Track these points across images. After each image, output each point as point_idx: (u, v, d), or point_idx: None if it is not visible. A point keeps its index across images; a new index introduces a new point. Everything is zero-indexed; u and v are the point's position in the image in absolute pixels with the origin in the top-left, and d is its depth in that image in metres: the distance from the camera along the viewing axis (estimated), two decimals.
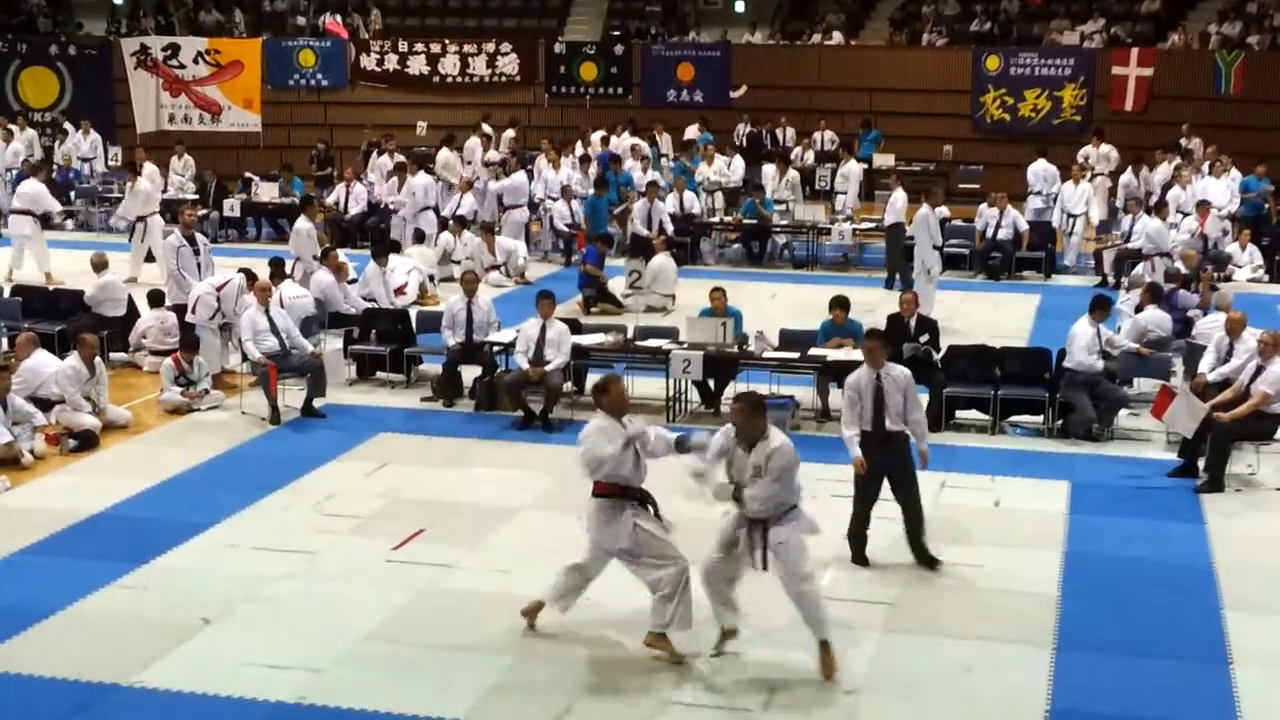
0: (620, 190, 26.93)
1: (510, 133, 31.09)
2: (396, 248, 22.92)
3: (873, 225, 26.37)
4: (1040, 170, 27.87)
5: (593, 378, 17.04)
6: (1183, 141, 30.41)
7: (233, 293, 17.68)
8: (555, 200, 26.70)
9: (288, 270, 19.64)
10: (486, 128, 31.16)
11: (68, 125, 33.91)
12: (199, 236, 19.44)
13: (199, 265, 19.00)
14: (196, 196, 28.31)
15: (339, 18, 38.27)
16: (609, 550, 10.36)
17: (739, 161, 30.14)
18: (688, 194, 26.87)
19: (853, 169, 28.43)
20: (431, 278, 23.19)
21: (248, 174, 30.06)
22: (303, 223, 21.61)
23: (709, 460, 10.20)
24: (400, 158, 28.35)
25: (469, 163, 29.60)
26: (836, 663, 9.99)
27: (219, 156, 29.63)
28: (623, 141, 30.88)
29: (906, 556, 12.15)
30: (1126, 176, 27.44)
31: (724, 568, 10.29)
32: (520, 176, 26.86)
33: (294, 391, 16.70)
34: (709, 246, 26.93)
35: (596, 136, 31.71)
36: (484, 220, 25.87)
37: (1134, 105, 33.24)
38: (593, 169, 28.32)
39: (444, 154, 28.76)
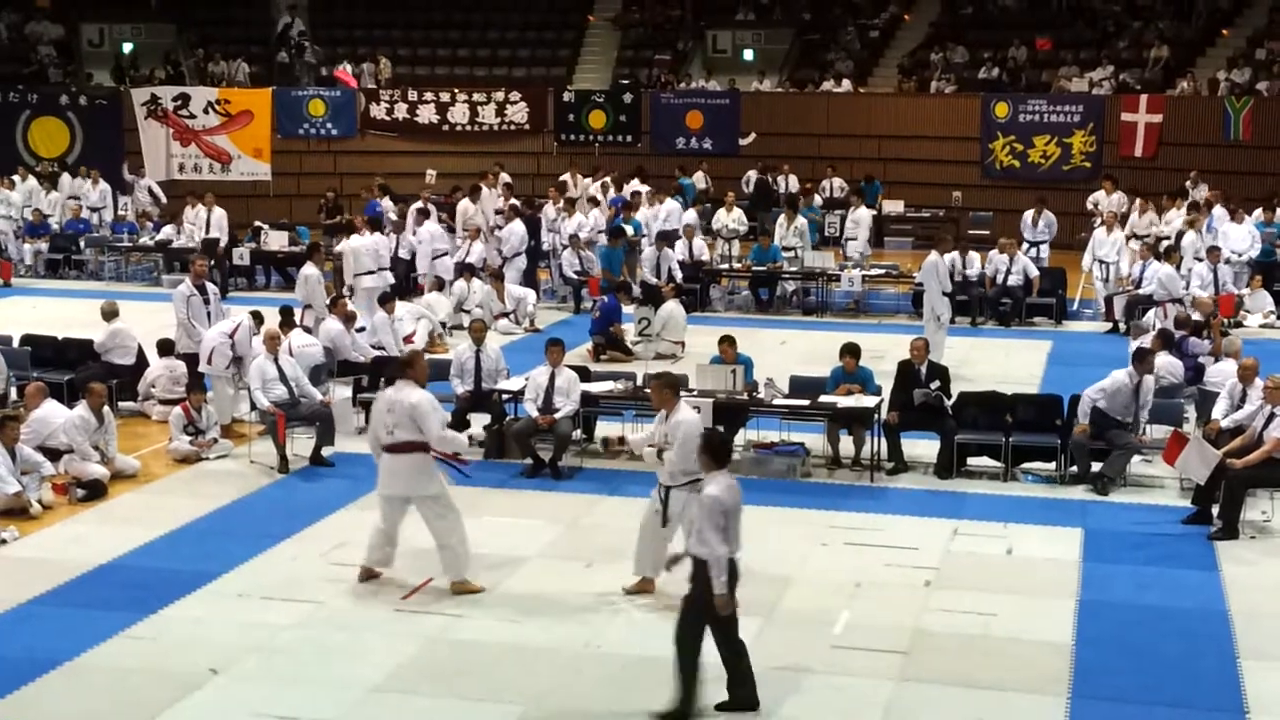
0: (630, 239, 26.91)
1: (506, 177, 31.05)
2: (404, 294, 22.90)
3: (882, 271, 26.36)
4: (1026, 219, 27.79)
5: (602, 426, 17.16)
6: (1188, 185, 30.36)
7: (245, 335, 17.76)
8: (564, 248, 26.69)
9: (297, 318, 19.63)
10: (505, 176, 31.14)
11: (64, 176, 34.03)
12: (209, 285, 19.43)
13: (209, 314, 18.99)
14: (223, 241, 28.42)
15: (348, 67, 38.41)
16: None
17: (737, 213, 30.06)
18: (697, 241, 26.88)
19: (863, 215, 28.42)
20: (444, 325, 23.17)
21: (257, 223, 30.09)
22: (309, 269, 21.64)
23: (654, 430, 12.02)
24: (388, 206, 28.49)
25: (483, 211, 29.56)
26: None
27: (228, 205, 29.63)
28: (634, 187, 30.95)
29: (918, 606, 12.07)
30: (1134, 218, 27.49)
31: (652, 524, 11.89)
32: (517, 225, 26.77)
33: (303, 440, 16.66)
34: (718, 293, 26.91)
35: (584, 182, 31.74)
36: (494, 269, 25.85)
37: (1144, 151, 33.27)
38: (600, 213, 28.40)
39: (464, 204, 28.75)
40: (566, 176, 32.06)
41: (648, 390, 16.65)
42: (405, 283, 25.09)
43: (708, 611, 9.88)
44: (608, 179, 32.31)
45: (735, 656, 10.04)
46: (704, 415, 15.78)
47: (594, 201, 29.92)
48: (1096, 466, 15.47)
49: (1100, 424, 15.47)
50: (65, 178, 33.88)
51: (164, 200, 33.03)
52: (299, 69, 38.84)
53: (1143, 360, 15.73)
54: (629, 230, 27.01)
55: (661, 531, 11.88)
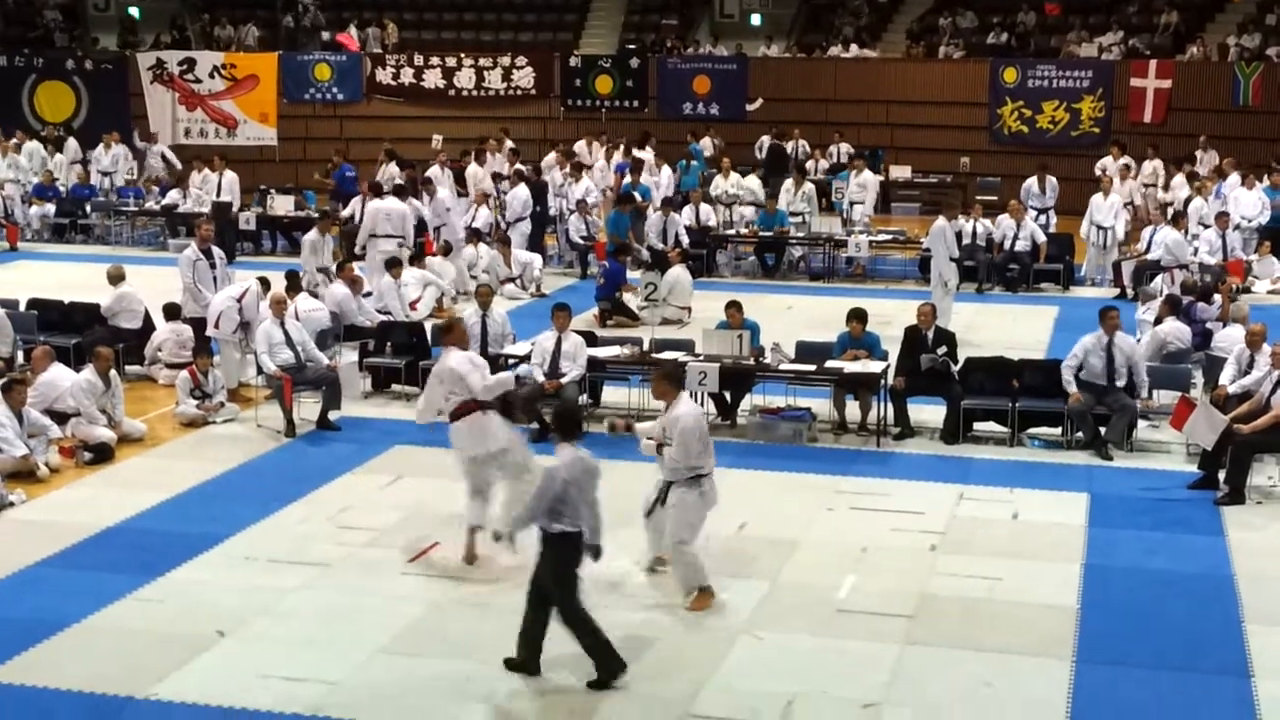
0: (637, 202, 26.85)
1: (510, 143, 31.00)
2: (412, 259, 22.86)
3: (889, 237, 26.31)
4: (1031, 185, 27.69)
5: (609, 390, 17.17)
6: (1198, 154, 30.28)
7: (252, 300, 17.75)
8: (571, 213, 26.64)
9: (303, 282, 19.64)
10: (509, 142, 31.08)
11: (72, 139, 34.00)
12: (215, 250, 19.41)
13: (215, 278, 18.98)
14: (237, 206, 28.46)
15: (353, 31, 38.30)
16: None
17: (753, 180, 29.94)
18: (704, 206, 26.84)
19: (869, 179, 28.29)
20: (454, 289, 23.13)
21: (263, 186, 30.08)
22: (309, 235, 21.65)
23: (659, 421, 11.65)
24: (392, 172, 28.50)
25: (488, 177, 29.51)
26: (709, 600, 11.30)
27: (234, 170, 29.61)
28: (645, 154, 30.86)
29: (924, 571, 12.09)
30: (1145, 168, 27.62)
31: (657, 515, 11.69)
32: (521, 190, 26.70)
33: (309, 404, 16.67)
34: (725, 259, 26.87)
35: (580, 145, 31.64)
36: (500, 234, 25.80)
37: (1153, 117, 33.17)
38: (608, 177, 28.35)
39: (473, 168, 28.67)
40: (581, 144, 31.90)
41: (654, 356, 16.72)
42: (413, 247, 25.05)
43: (548, 586, 9.99)
44: (605, 144, 32.08)
45: (581, 636, 9.99)
46: (710, 379, 15.85)
47: (583, 168, 29.43)
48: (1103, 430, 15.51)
49: (1097, 390, 15.48)
50: (71, 142, 33.84)
51: (178, 166, 32.97)
52: (303, 35, 38.74)
53: (1104, 319, 15.73)
54: (637, 196, 26.95)
55: (659, 517, 11.74)
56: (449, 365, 12.46)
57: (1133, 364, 15.65)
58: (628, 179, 28.35)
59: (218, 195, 28.52)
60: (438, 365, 12.73)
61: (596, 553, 10.24)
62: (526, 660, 10.12)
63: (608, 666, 9.99)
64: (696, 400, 16.48)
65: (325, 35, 38.49)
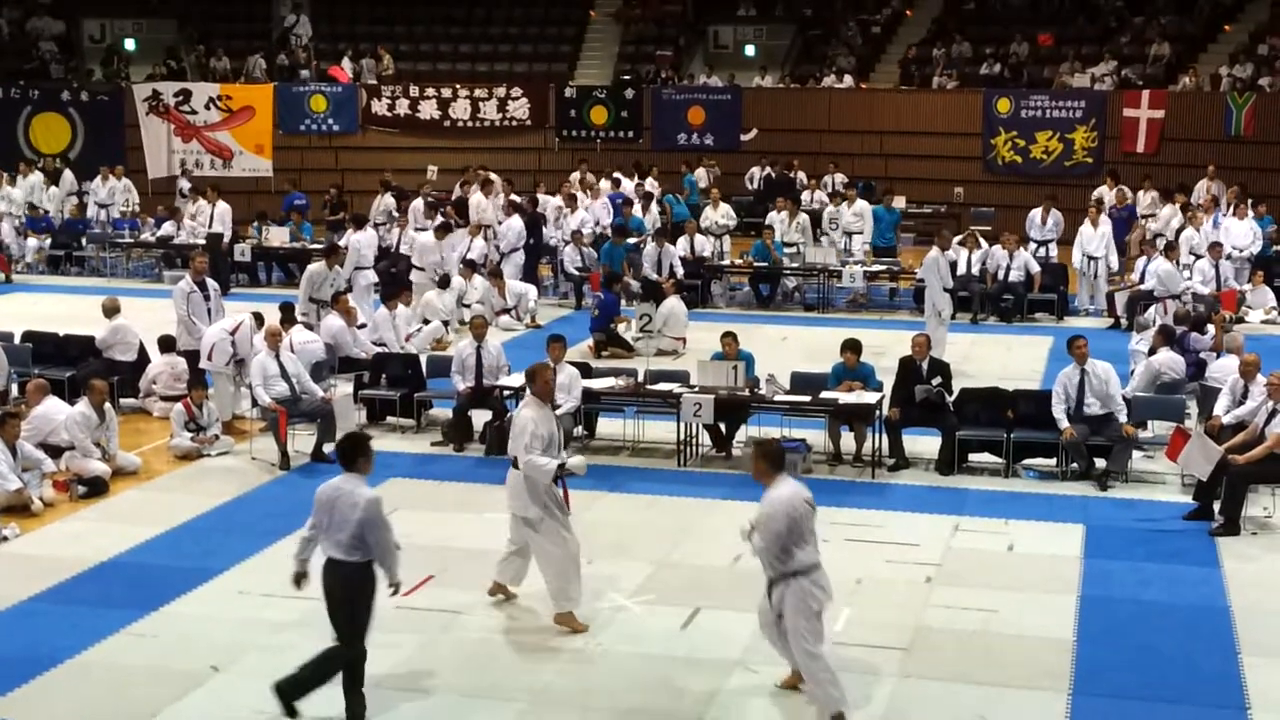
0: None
1: (495, 177, 30.90)
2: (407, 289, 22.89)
3: (883, 268, 26.32)
4: (1034, 216, 27.68)
5: (603, 423, 17.17)
6: (1206, 183, 30.15)
7: (246, 334, 17.72)
8: (566, 244, 26.68)
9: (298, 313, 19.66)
10: (494, 176, 31.02)
11: (68, 171, 34.02)
12: (209, 282, 19.42)
13: (209, 310, 18.98)
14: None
15: (345, 64, 38.37)
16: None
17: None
18: (698, 238, 26.86)
19: (863, 207, 28.17)
20: (446, 323, 23.12)
21: (261, 211, 30.08)
22: (313, 266, 21.67)
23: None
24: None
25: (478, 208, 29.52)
26: None
27: (229, 201, 29.63)
28: (633, 184, 30.91)
29: (919, 603, 12.07)
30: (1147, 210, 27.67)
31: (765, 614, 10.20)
32: (515, 221, 26.72)
33: (304, 437, 16.66)
34: (719, 289, 26.89)
35: (574, 176, 31.64)
36: (494, 264, 25.80)
37: (1146, 147, 33.25)
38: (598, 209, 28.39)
39: (477, 198, 28.68)
40: (575, 176, 31.86)
41: (648, 387, 16.73)
42: (407, 278, 25.05)
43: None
44: (587, 176, 31.74)
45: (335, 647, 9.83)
46: (705, 411, 15.84)
47: (572, 199, 29.34)
48: (1102, 463, 15.50)
49: (1093, 421, 15.49)
50: (68, 174, 33.85)
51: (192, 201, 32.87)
52: (297, 65, 38.79)
53: (1070, 348, 15.78)
54: (632, 230, 26.99)
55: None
56: (521, 414, 11.70)
57: (1104, 394, 15.60)
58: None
59: (210, 227, 28.52)
60: (516, 412, 12.12)
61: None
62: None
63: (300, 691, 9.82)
64: (693, 430, 16.51)
65: (306, 72, 38.36)
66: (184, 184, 33.52)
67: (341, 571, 9.75)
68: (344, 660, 9.78)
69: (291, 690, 9.79)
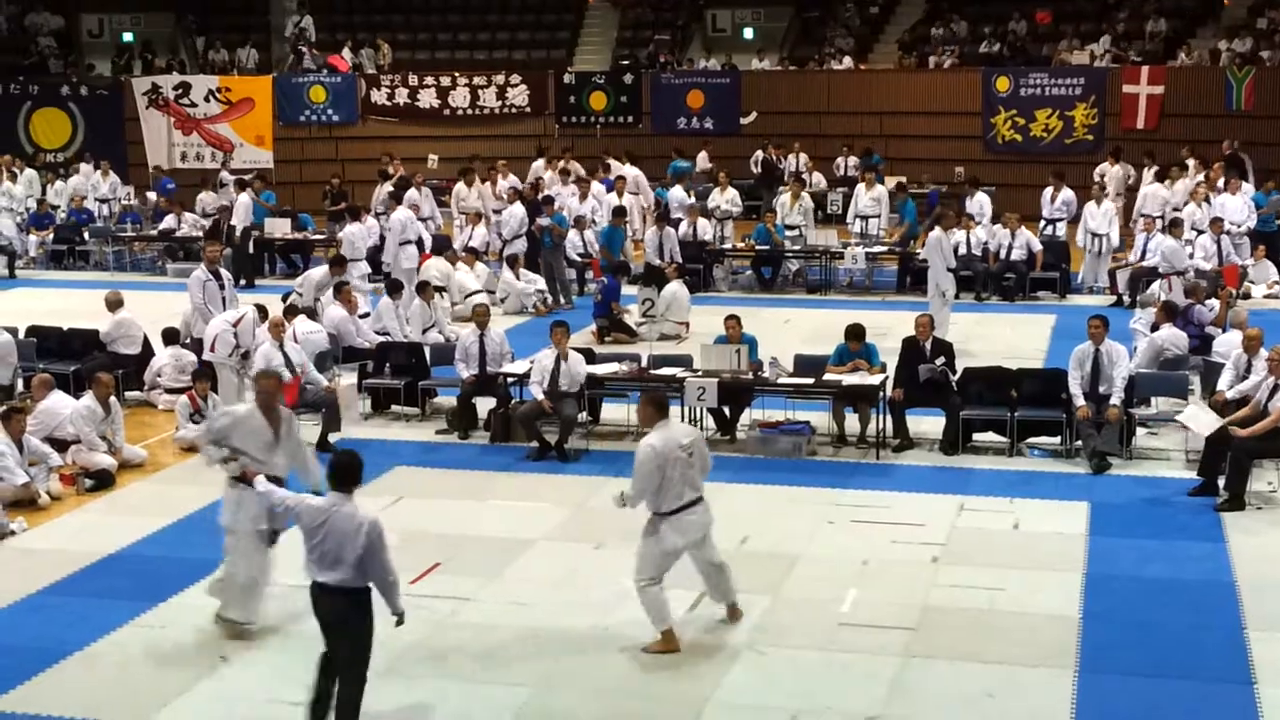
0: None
1: (501, 175, 30.93)
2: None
3: (886, 250, 26.30)
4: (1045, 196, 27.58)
5: (607, 408, 17.18)
6: (1237, 151, 30.00)
7: (249, 326, 17.71)
8: (570, 229, 26.64)
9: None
10: (499, 168, 30.99)
11: (81, 165, 33.99)
12: (223, 271, 19.40)
13: (223, 300, 18.96)
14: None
15: (345, 53, 38.35)
16: None
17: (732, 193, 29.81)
18: (700, 221, 26.85)
19: (882, 192, 28.01)
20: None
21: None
22: (318, 272, 21.59)
23: None
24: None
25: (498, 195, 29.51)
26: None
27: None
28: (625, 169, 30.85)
29: (925, 583, 12.09)
30: (1149, 188, 27.52)
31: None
32: (516, 208, 26.69)
33: (309, 426, 16.63)
34: (722, 273, 26.87)
35: (539, 165, 31.52)
36: (510, 254, 25.64)
37: (1146, 123, 33.22)
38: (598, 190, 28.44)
39: (483, 187, 28.64)
40: (542, 166, 31.61)
41: (652, 372, 16.74)
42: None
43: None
44: (566, 163, 31.55)
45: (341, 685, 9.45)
46: (709, 394, 15.85)
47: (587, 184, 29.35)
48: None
49: (1098, 398, 15.47)
50: (84, 167, 33.66)
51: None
52: (296, 57, 38.77)
53: (1090, 327, 15.71)
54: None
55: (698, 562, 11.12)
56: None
57: (1109, 376, 15.54)
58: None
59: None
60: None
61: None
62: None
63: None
64: (697, 414, 16.52)
65: (307, 59, 38.27)
66: (226, 176, 33.29)
67: (341, 601, 9.43)
68: (362, 687, 9.44)
69: None
